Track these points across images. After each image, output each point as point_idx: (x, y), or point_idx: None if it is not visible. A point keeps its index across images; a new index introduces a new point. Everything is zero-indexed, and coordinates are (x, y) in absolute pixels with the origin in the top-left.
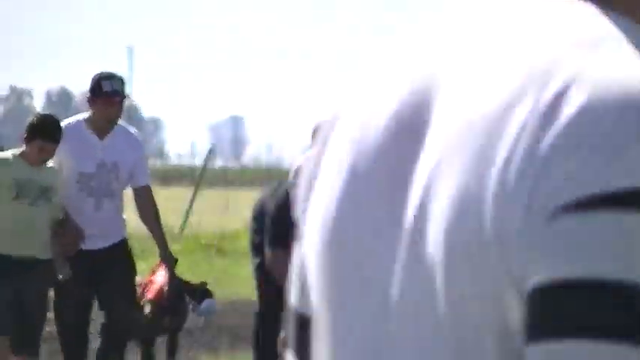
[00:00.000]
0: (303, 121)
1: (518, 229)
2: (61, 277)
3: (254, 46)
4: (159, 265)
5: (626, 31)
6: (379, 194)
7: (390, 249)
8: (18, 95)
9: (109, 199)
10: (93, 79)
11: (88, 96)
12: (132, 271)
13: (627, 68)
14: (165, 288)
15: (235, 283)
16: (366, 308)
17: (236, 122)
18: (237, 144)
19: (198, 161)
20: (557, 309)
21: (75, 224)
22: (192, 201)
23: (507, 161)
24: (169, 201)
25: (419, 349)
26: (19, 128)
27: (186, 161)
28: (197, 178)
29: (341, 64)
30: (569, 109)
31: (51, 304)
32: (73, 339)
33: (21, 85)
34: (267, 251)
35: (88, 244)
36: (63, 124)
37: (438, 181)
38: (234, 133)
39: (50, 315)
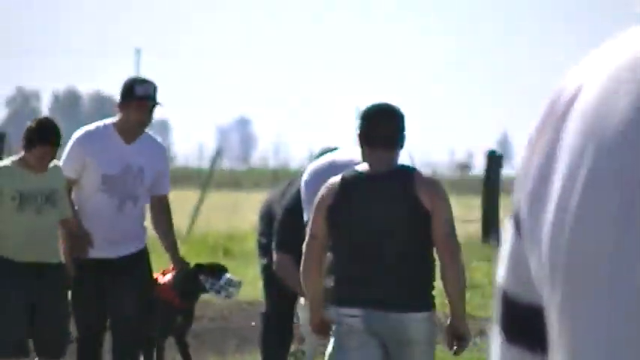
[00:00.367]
0: (311, 123)
1: None
2: (72, 282)
3: (262, 47)
4: (170, 270)
5: None
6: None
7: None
8: (24, 96)
9: (132, 202)
10: (125, 83)
11: (119, 101)
12: (150, 282)
13: None
14: (171, 285)
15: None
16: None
17: (244, 124)
18: (245, 146)
19: (206, 163)
20: None
21: (83, 227)
22: (199, 203)
23: None
24: (176, 202)
25: None
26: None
27: (193, 163)
28: (204, 179)
29: (348, 66)
30: None
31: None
32: (90, 344)
33: (27, 86)
34: (275, 254)
35: (109, 252)
36: (93, 126)
37: None
38: (242, 135)
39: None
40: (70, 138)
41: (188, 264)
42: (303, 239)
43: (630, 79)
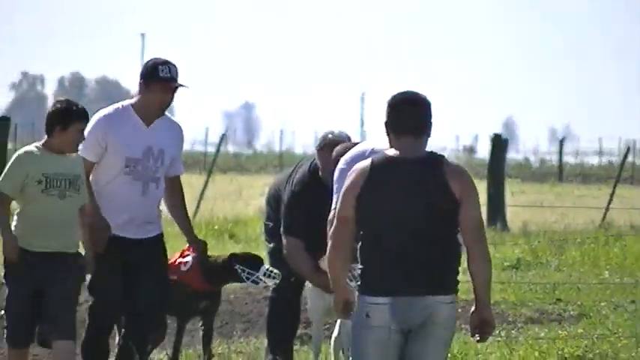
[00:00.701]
0: (316, 108)
1: None
2: (88, 272)
3: (267, 33)
4: (187, 249)
5: None
6: None
7: None
8: (30, 81)
9: (154, 185)
10: (147, 64)
11: (140, 81)
12: (166, 267)
13: None
14: (200, 271)
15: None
16: None
17: (248, 109)
18: (250, 131)
19: (211, 148)
20: None
21: (103, 219)
22: (204, 187)
23: None
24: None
25: None
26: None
27: (199, 148)
28: (210, 164)
29: (352, 51)
30: None
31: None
32: (107, 326)
33: (33, 71)
34: (284, 238)
35: (133, 233)
36: (112, 108)
37: None
38: (247, 119)
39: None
40: None
41: (205, 243)
42: (311, 223)
43: None
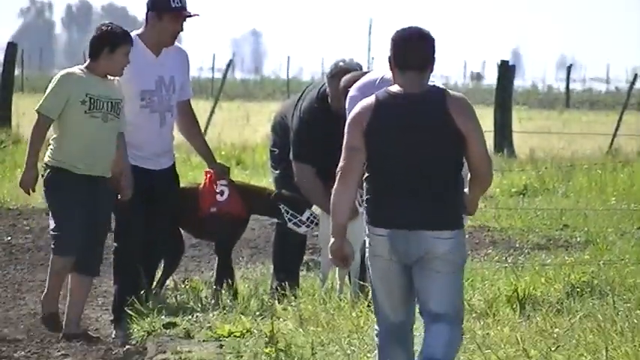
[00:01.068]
0: (322, 35)
1: None
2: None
3: None
4: (213, 175)
5: None
6: None
7: None
8: (38, 8)
9: (169, 114)
10: None
11: (150, 13)
12: (177, 196)
13: None
14: (239, 198)
15: None
16: None
17: (257, 36)
18: (258, 57)
19: (219, 74)
20: None
21: (128, 166)
22: (211, 113)
23: None
24: None
25: None
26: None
27: (207, 74)
28: (217, 90)
29: None
30: None
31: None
32: (136, 256)
33: None
34: (294, 165)
35: (154, 164)
36: None
37: None
38: (255, 46)
39: None
40: (83, 50)
41: (228, 167)
42: (321, 151)
43: None
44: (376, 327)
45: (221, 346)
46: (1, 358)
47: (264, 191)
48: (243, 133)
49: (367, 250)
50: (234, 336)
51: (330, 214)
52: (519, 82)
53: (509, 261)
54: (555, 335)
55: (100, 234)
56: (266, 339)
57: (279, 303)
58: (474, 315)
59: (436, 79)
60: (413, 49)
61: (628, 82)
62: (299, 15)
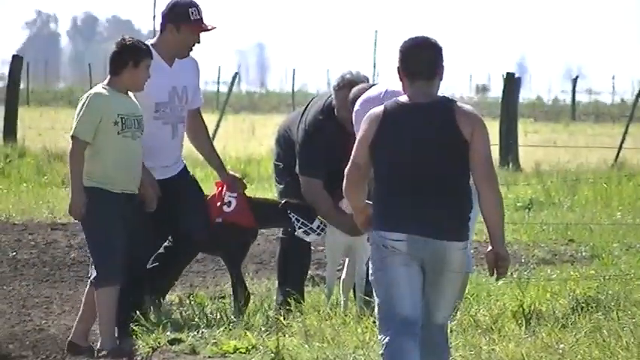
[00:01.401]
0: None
1: None
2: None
3: None
4: (220, 187)
5: None
6: None
7: None
8: (43, 20)
9: (181, 125)
10: (174, 6)
11: (167, 23)
12: (201, 190)
13: None
14: (248, 209)
15: None
16: None
17: (262, 48)
18: (263, 70)
19: (224, 87)
20: None
21: (152, 178)
22: (217, 126)
23: None
24: None
25: None
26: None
27: (212, 87)
28: (222, 103)
29: None
30: None
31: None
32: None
33: (46, 9)
34: (301, 178)
35: (164, 173)
36: None
37: None
38: (260, 58)
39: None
40: (88, 61)
41: (240, 179)
42: (327, 163)
43: None
44: (384, 340)
45: None
46: None
47: (274, 201)
48: (249, 145)
49: (377, 254)
50: (240, 352)
51: (337, 228)
52: (525, 94)
53: (515, 276)
54: (561, 351)
55: (138, 248)
56: (272, 355)
57: (284, 318)
58: (479, 330)
59: (442, 90)
60: (421, 58)
61: (634, 94)
62: (304, 27)
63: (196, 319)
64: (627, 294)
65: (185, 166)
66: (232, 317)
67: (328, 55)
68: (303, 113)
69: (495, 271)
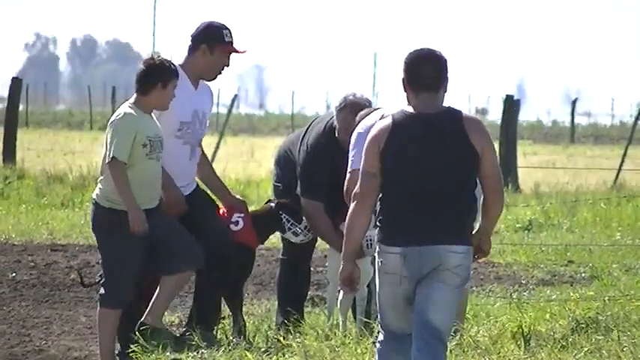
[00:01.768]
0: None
1: None
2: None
3: None
4: (225, 212)
5: None
6: None
7: None
8: (42, 43)
9: (198, 148)
10: (208, 27)
11: (202, 44)
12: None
13: None
14: (253, 228)
15: None
16: None
17: (260, 71)
18: (262, 92)
19: (224, 109)
20: None
21: (178, 191)
22: (216, 148)
23: None
24: None
25: None
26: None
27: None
28: (222, 125)
29: (363, 10)
30: None
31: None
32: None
33: (46, 32)
34: (302, 201)
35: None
36: None
37: None
38: (259, 80)
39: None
40: (87, 84)
41: (245, 202)
42: (329, 185)
43: None
44: (380, 337)
45: None
46: None
47: (265, 209)
48: (248, 167)
49: (377, 268)
50: None
51: (338, 250)
52: (524, 116)
53: (514, 296)
54: None
55: (173, 236)
56: None
57: (284, 339)
58: (478, 351)
59: None
60: (426, 70)
61: (633, 116)
62: (303, 49)
63: (196, 340)
64: (627, 315)
65: (198, 185)
66: (232, 338)
67: (327, 77)
68: (304, 134)
69: (475, 255)
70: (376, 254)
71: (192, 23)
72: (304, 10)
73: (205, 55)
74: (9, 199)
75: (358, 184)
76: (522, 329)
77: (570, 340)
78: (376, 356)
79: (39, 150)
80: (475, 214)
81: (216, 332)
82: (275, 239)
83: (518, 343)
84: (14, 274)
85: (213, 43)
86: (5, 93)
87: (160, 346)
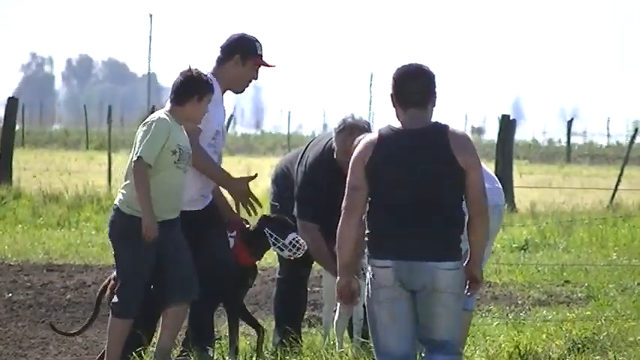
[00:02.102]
0: (322, 91)
1: None
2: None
3: (275, 14)
4: (229, 228)
5: None
6: None
7: None
8: (38, 63)
9: (220, 157)
10: (242, 37)
11: (236, 54)
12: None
13: None
14: (245, 246)
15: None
16: None
17: (257, 90)
18: (258, 112)
19: None
20: None
21: (237, 180)
22: None
23: None
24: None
25: None
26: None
27: None
28: None
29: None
30: None
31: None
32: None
33: (41, 52)
34: (298, 222)
35: (202, 203)
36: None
37: None
38: (256, 101)
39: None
40: (83, 103)
41: (245, 220)
42: (326, 208)
43: None
44: None
45: None
46: None
47: (254, 228)
48: None
49: (370, 284)
50: None
51: (332, 274)
52: (520, 136)
53: (511, 316)
54: None
55: (181, 263)
56: None
57: (281, 359)
58: None
59: None
60: (414, 86)
61: (628, 136)
62: (299, 69)
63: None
64: (623, 335)
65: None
66: (229, 358)
67: (324, 97)
68: (302, 155)
69: (467, 289)
70: (367, 272)
71: (187, 43)
72: (300, 30)
73: (237, 65)
74: (5, 219)
75: (345, 198)
76: (519, 349)
77: None
78: None
79: (35, 170)
80: (463, 228)
81: (213, 353)
82: (271, 259)
83: None
84: (10, 295)
85: (246, 55)
86: (1, 113)
87: None
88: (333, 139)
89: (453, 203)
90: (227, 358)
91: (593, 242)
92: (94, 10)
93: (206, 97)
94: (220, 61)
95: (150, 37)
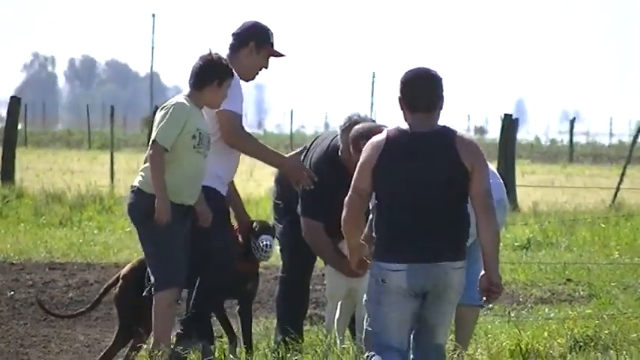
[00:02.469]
0: (324, 90)
1: None
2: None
3: (277, 13)
4: (238, 229)
5: None
6: None
7: None
8: (41, 62)
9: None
10: (256, 25)
11: (251, 41)
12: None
13: None
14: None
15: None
16: None
17: (260, 89)
18: (261, 111)
19: None
20: None
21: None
22: None
23: None
24: None
25: None
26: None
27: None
28: None
29: (362, 30)
30: None
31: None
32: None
33: (44, 52)
34: (302, 220)
35: (225, 190)
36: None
37: None
38: (258, 100)
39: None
40: (86, 103)
41: (252, 222)
42: (330, 205)
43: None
44: (371, 358)
45: None
46: None
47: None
48: (247, 187)
49: (374, 288)
50: None
51: (337, 270)
52: (523, 135)
53: (513, 315)
54: None
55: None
56: None
57: (283, 357)
58: None
59: None
60: (421, 90)
61: (631, 135)
62: (302, 69)
63: (192, 358)
64: (625, 333)
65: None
66: (231, 356)
67: (326, 96)
68: (307, 153)
69: (487, 296)
70: (372, 276)
71: (190, 44)
72: (303, 30)
73: (251, 53)
74: (7, 219)
75: (347, 197)
76: (521, 347)
77: (568, 358)
78: None
79: (37, 169)
80: (469, 227)
81: (214, 350)
82: (273, 258)
83: None
84: (12, 293)
85: (260, 43)
86: (4, 112)
87: None
88: (338, 137)
89: (460, 205)
90: (231, 356)
91: (595, 241)
92: (96, 9)
93: (226, 82)
94: (234, 48)
95: (152, 38)
